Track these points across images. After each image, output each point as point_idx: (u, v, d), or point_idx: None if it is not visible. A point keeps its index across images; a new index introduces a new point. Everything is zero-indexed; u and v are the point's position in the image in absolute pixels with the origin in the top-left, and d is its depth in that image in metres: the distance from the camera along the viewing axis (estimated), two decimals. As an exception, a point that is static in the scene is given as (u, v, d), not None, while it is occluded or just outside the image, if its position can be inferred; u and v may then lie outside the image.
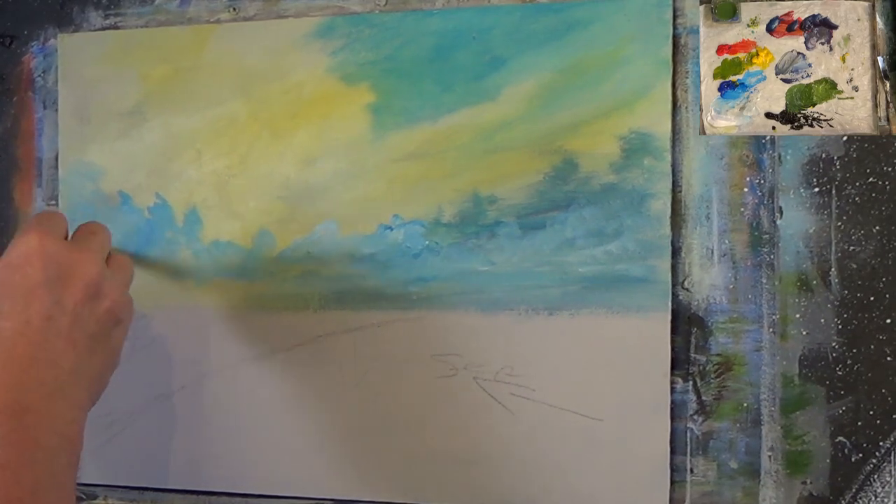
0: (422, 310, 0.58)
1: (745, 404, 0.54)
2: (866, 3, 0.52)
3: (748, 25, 0.54)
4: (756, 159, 0.54)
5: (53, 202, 0.65)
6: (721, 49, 0.54)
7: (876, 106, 0.52)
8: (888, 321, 0.52)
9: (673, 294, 0.55)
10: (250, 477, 0.61)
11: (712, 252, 0.55)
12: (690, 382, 0.55)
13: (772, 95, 0.54)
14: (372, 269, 0.59)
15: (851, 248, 0.53)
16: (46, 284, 0.47)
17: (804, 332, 0.53)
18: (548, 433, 0.56)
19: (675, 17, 0.55)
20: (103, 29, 0.65)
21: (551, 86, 0.57)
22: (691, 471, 0.55)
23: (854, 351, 0.53)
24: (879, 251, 0.52)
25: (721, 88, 0.54)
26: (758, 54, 0.54)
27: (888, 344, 0.52)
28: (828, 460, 0.53)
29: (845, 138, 0.53)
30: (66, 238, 0.52)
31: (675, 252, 0.55)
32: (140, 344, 0.62)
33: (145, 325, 0.62)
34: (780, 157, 0.54)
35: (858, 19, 0.53)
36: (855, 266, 0.53)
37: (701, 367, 0.55)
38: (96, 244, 0.52)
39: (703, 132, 0.55)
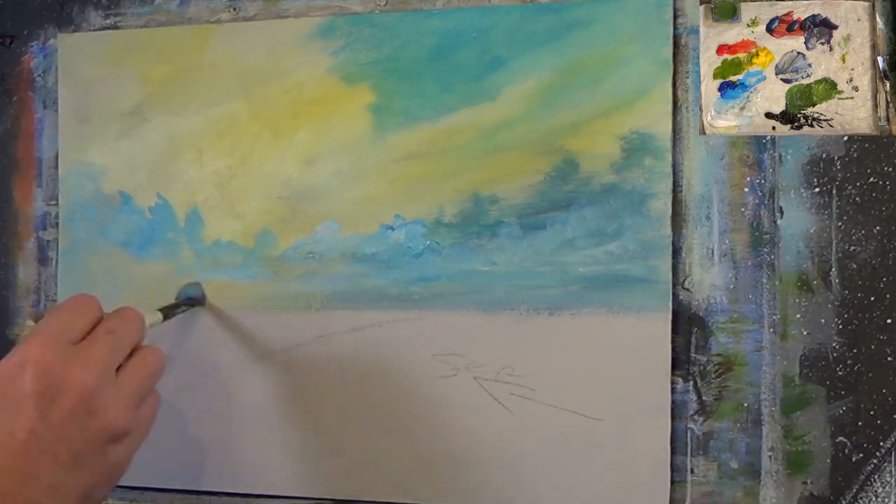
0: (423, 310, 0.58)
1: (746, 404, 0.54)
2: (866, 3, 0.52)
3: (748, 25, 0.54)
4: (756, 159, 0.54)
5: (53, 202, 0.65)
6: (721, 49, 0.54)
7: (876, 106, 0.52)
8: (888, 321, 0.52)
9: (673, 294, 0.55)
10: (250, 477, 0.61)
11: (713, 252, 0.55)
12: (691, 382, 0.55)
13: (772, 95, 0.54)
14: (373, 268, 0.59)
15: (852, 248, 0.53)
16: (34, 397, 0.45)
17: (804, 332, 0.53)
18: (548, 433, 0.56)
19: (675, 17, 0.55)
20: (103, 29, 0.65)
21: (551, 86, 0.57)
22: (692, 471, 0.55)
23: (854, 351, 0.53)
24: (880, 251, 0.52)
25: (721, 88, 0.55)
26: (758, 54, 0.54)
27: (888, 344, 0.52)
28: (828, 460, 0.53)
29: (845, 138, 0.53)
30: (95, 324, 0.50)
31: (676, 252, 0.55)
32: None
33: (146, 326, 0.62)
34: (780, 157, 0.54)
35: (858, 19, 0.53)
36: (855, 266, 0.53)
37: (701, 367, 0.55)
38: (106, 348, 0.49)
39: (703, 132, 0.55)
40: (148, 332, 0.53)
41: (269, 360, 0.60)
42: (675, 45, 0.55)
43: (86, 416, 0.47)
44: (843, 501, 0.53)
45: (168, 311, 0.57)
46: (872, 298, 0.52)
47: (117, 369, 0.49)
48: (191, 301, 0.61)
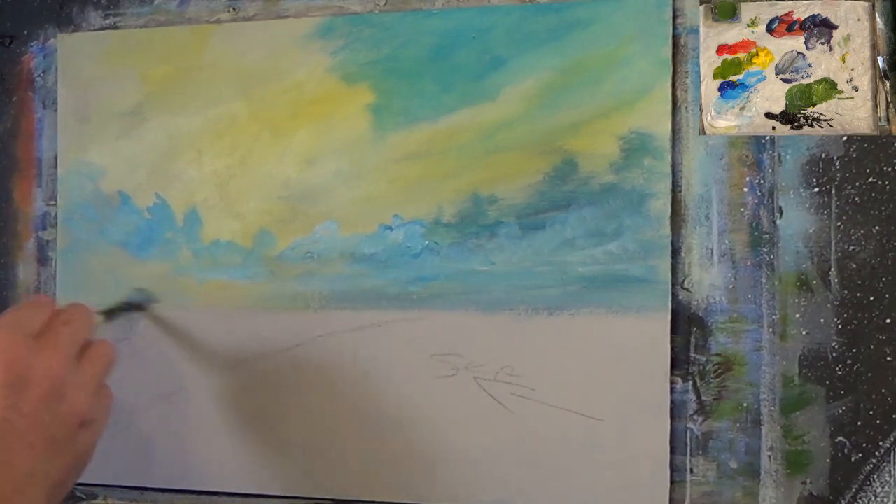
0: (422, 309, 0.58)
1: (745, 404, 0.54)
2: (866, 3, 0.52)
3: (748, 25, 0.54)
4: (756, 159, 0.54)
5: (53, 202, 0.65)
6: (721, 49, 0.54)
7: (876, 106, 0.52)
8: (888, 321, 0.52)
9: (673, 294, 0.55)
10: (250, 477, 0.61)
11: (712, 252, 0.55)
12: (690, 382, 0.55)
13: (772, 95, 0.54)
14: (372, 268, 0.59)
15: (851, 248, 0.53)
16: (5, 387, 0.46)
17: (804, 332, 0.53)
18: (548, 433, 0.56)
19: (675, 17, 0.55)
20: (103, 29, 0.65)
21: (551, 86, 0.57)
22: (691, 471, 0.55)
23: (854, 351, 0.53)
24: (879, 251, 0.52)
25: (721, 88, 0.54)
26: (758, 54, 0.54)
27: (888, 344, 0.52)
28: (828, 460, 0.53)
29: (845, 138, 0.53)
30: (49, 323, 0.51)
31: (675, 252, 0.55)
32: (140, 344, 0.62)
33: (146, 326, 0.62)
34: (779, 157, 0.54)
35: (858, 19, 0.53)
36: (855, 266, 0.53)
37: (701, 367, 0.55)
38: (66, 338, 0.50)
39: (703, 132, 0.55)
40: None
41: (268, 360, 0.60)
42: (675, 45, 0.55)
43: (56, 402, 0.48)
44: (843, 501, 0.52)
45: (109, 313, 0.60)
46: (872, 298, 0.52)
47: (77, 359, 0.51)
48: (130, 305, 0.62)
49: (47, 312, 0.51)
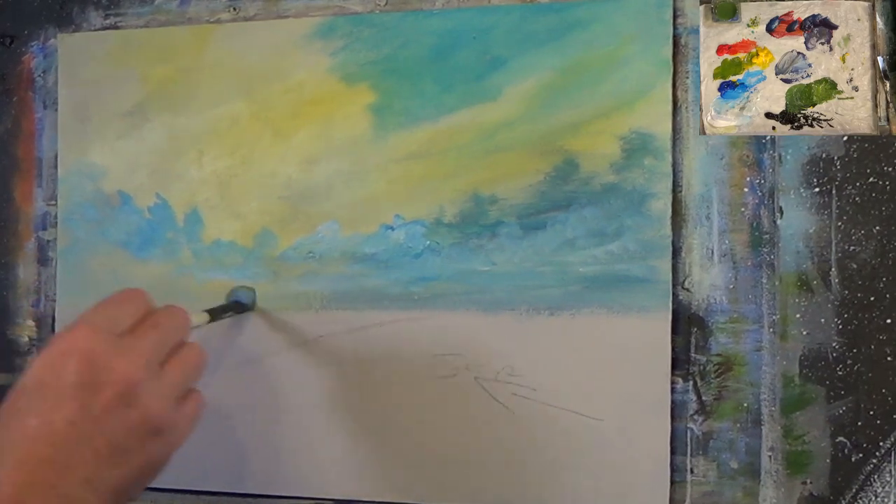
0: (423, 310, 0.58)
1: (746, 404, 0.54)
2: (866, 3, 0.52)
3: (748, 25, 0.54)
4: (756, 159, 0.54)
5: (53, 202, 0.65)
6: (721, 49, 0.55)
7: (876, 106, 0.52)
8: (888, 321, 0.52)
9: (673, 294, 0.55)
10: (250, 477, 0.61)
11: (712, 252, 0.55)
12: (691, 382, 0.55)
13: (772, 95, 0.54)
14: (373, 268, 0.59)
15: (851, 248, 0.53)
16: (77, 387, 0.44)
17: (804, 332, 0.53)
18: (548, 433, 0.56)
19: (675, 17, 0.55)
20: (103, 29, 0.65)
21: (551, 86, 0.57)
22: (691, 471, 0.55)
23: (854, 351, 0.53)
24: (879, 251, 0.53)
25: (721, 88, 0.55)
26: (758, 54, 0.54)
27: (888, 344, 0.52)
28: (828, 460, 0.53)
29: (845, 138, 0.53)
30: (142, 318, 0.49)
31: (676, 252, 0.55)
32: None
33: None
34: (780, 157, 0.54)
35: (858, 19, 0.53)
36: (855, 266, 0.53)
37: (701, 367, 0.55)
38: (150, 341, 0.48)
39: (703, 132, 0.55)
40: (192, 332, 0.52)
41: (269, 360, 0.60)
42: (675, 45, 0.55)
43: (127, 408, 0.46)
44: (843, 501, 0.53)
45: (215, 314, 0.57)
46: (872, 298, 0.52)
47: (161, 365, 0.49)
48: (239, 306, 0.60)
49: (141, 310, 0.49)
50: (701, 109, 0.55)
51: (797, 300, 0.53)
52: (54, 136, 0.65)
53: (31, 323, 0.66)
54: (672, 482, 0.55)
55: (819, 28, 0.53)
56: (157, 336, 0.49)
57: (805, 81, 0.53)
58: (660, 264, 0.55)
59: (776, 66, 0.54)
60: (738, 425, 0.54)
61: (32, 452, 0.43)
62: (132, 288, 0.51)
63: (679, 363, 0.55)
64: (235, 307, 0.60)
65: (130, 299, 0.50)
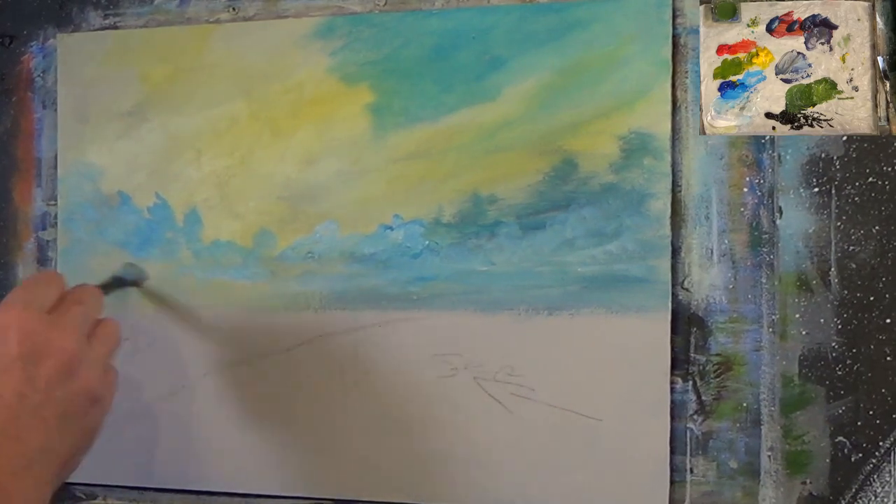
0: (422, 310, 0.58)
1: (745, 404, 0.54)
2: (866, 3, 0.52)
3: (748, 25, 0.54)
4: (756, 159, 0.54)
5: (53, 202, 0.65)
6: (721, 49, 0.54)
7: (876, 106, 0.52)
8: (888, 321, 0.52)
9: (673, 294, 0.55)
10: (250, 477, 0.61)
11: (712, 252, 0.55)
12: (690, 382, 0.55)
13: (772, 95, 0.54)
14: (372, 268, 0.59)
15: (851, 248, 0.53)
16: (20, 360, 0.46)
17: (804, 332, 0.53)
18: (548, 433, 0.56)
19: (675, 17, 0.55)
20: (103, 29, 0.65)
21: (551, 86, 0.57)
22: (691, 471, 0.55)
23: (854, 351, 0.53)
24: (879, 251, 0.52)
25: (721, 88, 0.54)
26: (758, 54, 0.54)
27: (888, 344, 0.52)
28: (827, 460, 0.53)
29: (845, 138, 0.53)
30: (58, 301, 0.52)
31: (675, 252, 0.55)
32: (140, 344, 0.62)
33: (146, 326, 0.62)
34: (779, 157, 0.54)
35: (858, 19, 0.53)
36: (855, 266, 0.53)
37: (701, 367, 0.55)
38: (78, 316, 0.51)
39: (702, 132, 0.55)
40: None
41: (268, 361, 0.60)
42: (675, 45, 0.55)
43: (68, 378, 0.48)
44: (843, 501, 0.52)
45: (103, 288, 0.58)
46: (871, 298, 0.52)
47: (88, 337, 0.51)
48: (122, 280, 0.62)
49: (59, 289, 0.52)
50: (701, 109, 0.55)
51: (797, 300, 0.53)
52: (54, 136, 0.65)
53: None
54: (672, 482, 0.55)
55: (819, 28, 0.53)
56: (82, 311, 0.51)
57: (805, 81, 0.53)
58: (659, 264, 0.55)
59: (776, 66, 0.54)
60: (738, 425, 0.54)
61: None
62: (47, 270, 0.56)
63: (678, 363, 0.55)
64: (118, 281, 0.62)
65: (49, 280, 0.53)
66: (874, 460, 0.52)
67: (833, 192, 0.53)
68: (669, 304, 0.54)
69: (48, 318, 0.49)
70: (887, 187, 0.53)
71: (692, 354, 0.55)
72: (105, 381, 0.51)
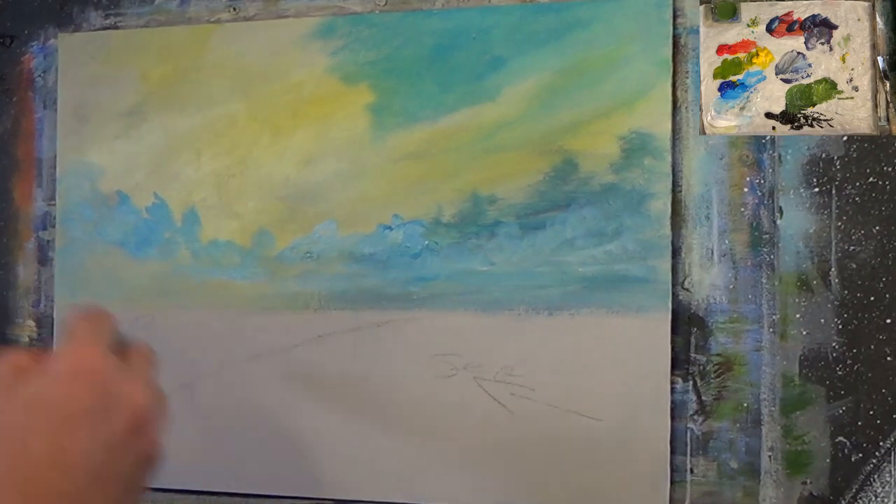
0: (422, 309, 0.58)
1: (745, 404, 0.54)
2: (866, 3, 0.52)
3: (748, 25, 0.54)
4: (756, 159, 0.54)
5: (53, 202, 0.65)
6: (721, 49, 0.54)
7: (876, 106, 0.52)
8: (888, 321, 0.52)
9: (673, 294, 0.55)
10: (250, 477, 0.61)
11: (712, 252, 0.55)
12: (690, 382, 0.55)
13: (772, 95, 0.54)
14: (372, 268, 0.59)
15: (851, 248, 0.53)
16: (91, 413, 0.41)
17: (804, 332, 0.53)
18: (547, 433, 0.56)
19: (675, 17, 0.55)
20: (103, 29, 0.65)
21: (551, 86, 0.57)
22: (691, 471, 0.55)
23: (854, 351, 0.53)
24: (879, 251, 0.52)
25: (721, 88, 0.54)
26: (758, 54, 0.54)
27: (888, 344, 0.52)
28: (828, 460, 0.53)
29: (845, 138, 0.53)
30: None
31: (675, 252, 0.55)
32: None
33: (146, 326, 0.62)
34: (780, 157, 0.54)
35: (858, 19, 0.53)
36: (855, 266, 0.53)
37: (701, 367, 0.55)
38: (148, 370, 0.46)
39: (703, 132, 0.55)
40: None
41: (267, 360, 0.60)
42: (675, 45, 0.55)
43: (137, 438, 0.43)
44: (843, 501, 0.52)
45: None
46: (872, 298, 0.52)
47: (153, 388, 0.46)
48: None
49: (115, 331, 0.46)
50: (701, 109, 0.55)
51: (797, 300, 0.53)
52: (54, 136, 0.65)
53: (31, 323, 0.66)
54: (672, 482, 0.55)
55: (819, 28, 0.53)
56: (150, 366, 0.47)
57: (805, 81, 0.53)
58: (659, 264, 0.55)
59: (776, 66, 0.54)
60: (738, 425, 0.54)
61: (42, 481, 0.39)
62: (98, 307, 0.48)
63: (679, 363, 0.55)
64: None
65: (107, 319, 0.47)
66: (874, 460, 0.52)
67: (833, 192, 0.53)
68: (670, 304, 0.54)
69: (121, 366, 0.44)
70: (887, 187, 0.52)
71: (692, 354, 0.55)
72: (160, 445, 0.45)
